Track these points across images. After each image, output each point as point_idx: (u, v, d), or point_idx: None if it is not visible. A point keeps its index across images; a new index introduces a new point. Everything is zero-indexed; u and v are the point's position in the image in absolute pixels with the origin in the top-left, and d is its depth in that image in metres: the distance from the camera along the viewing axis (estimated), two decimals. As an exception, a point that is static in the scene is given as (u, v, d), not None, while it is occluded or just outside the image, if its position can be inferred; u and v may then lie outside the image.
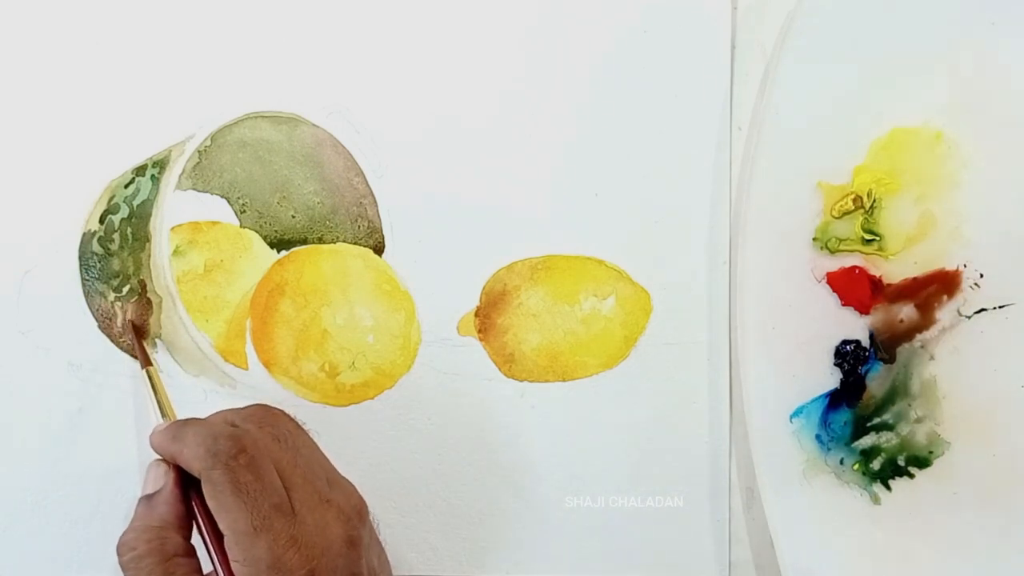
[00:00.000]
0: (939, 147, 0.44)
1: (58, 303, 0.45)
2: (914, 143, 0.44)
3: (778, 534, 0.43)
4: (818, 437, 0.44)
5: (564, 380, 0.46)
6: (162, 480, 0.39)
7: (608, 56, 0.46)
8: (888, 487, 0.44)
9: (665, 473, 0.46)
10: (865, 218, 0.44)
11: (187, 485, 0.39)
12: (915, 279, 0.44)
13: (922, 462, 0.44)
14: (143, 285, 0.46)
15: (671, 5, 0.46)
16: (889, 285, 0.44)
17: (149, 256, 0.46)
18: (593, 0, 0.46)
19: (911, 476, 0.44)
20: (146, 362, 0.44)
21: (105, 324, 0.45)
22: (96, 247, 0.46)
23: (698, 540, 0.46)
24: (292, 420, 0.40)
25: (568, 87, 0.46)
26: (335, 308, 0.46)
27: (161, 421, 0.42)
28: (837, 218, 0.44)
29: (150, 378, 0.43)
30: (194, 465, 0.38)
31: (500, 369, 0.46)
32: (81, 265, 0.46)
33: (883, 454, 0.44)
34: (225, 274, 0.46)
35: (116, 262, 0.46)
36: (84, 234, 0.46)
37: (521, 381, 0.46)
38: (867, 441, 0.44)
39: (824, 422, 0.44)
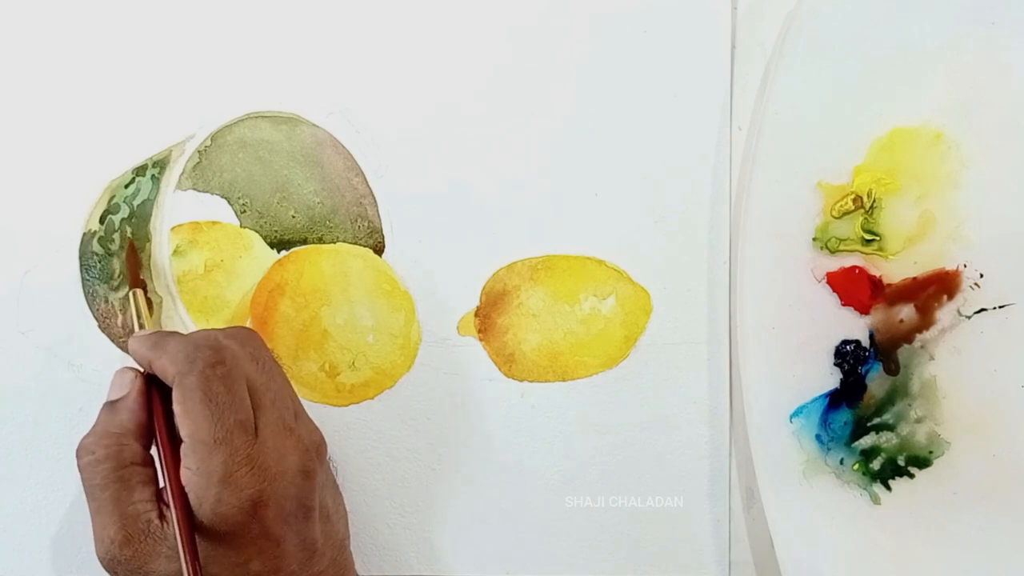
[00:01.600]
0: (939, 147, 0.44)
1: (58, 303, 0.45)
2: (914, 143, 0.44)
3: (778, 534, 0.43)
4: (818, 437, 0.44)
5: (564, 380, 0.46)
6: (127, 387, 0.39)
7: (608, 56, 0.46)
8: (888, 487, 0.44)
9: (665, 473, 0.46)
10: (865, 218, 0.44)
11: (151, 394, 0.39)
12: (915, 279, 0.44)
13: (922, 462, 0.44)
14: (143, 285, 0.46)
15: (671, 5, 0.46)
16: (889, 285, 0.44)
17: (149, 256, 0.46)
18: (593, 0, 0.46)
19: (911, 476, 0.44)
20: (135, 283, 0.44)
21: (105, 324, 0.45)
22: (96, 247, 0.46)
23: (698, 540, 0.46)
24: (270, 350, 0.41)
25: (568, 87, 0.46)
26: (335, 308, 0.46)
27: None
28: (837, 218, 0.44)
29: (135, 299, 0.44)
30: (169, 370, 0.38)
31: (500, 369, 0.46)
32: (81, 265, 0.46)
33: (883, 454, 0.44)
34: (225, 274, 0.46)
35: (116, 262, 0.46)
36: (84, 234, 0.46)
37: (521, 381, 0.46)
38: (867, 441, 0.44)
39: (824, 422, 0.44)
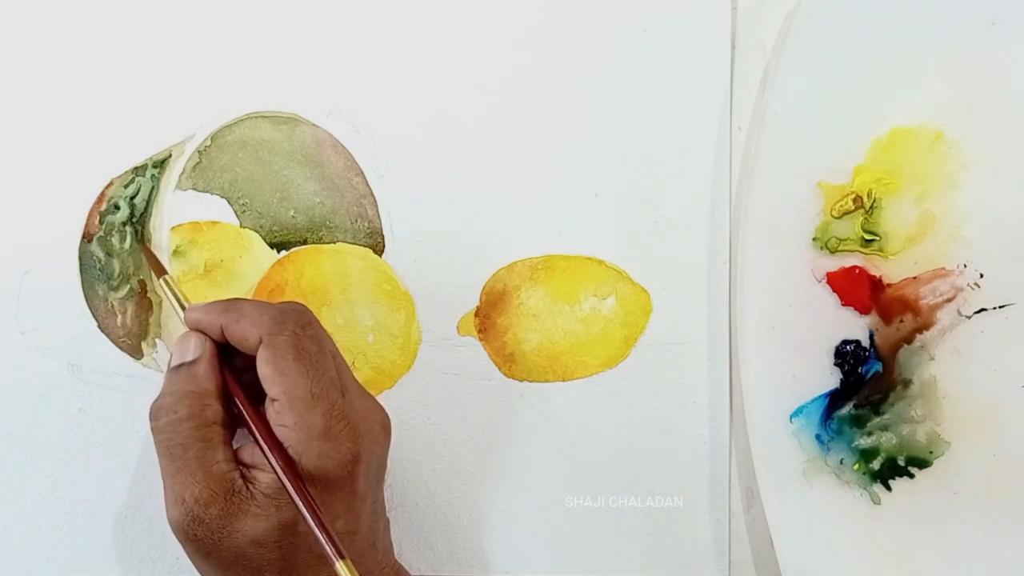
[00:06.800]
0: (939, 147, 0.44)
1: (58, 303, 0.45)
2: (914, 143, 0.44)
3: (778, 534, 0.43)
4: (818, 437, 0.44)
5: (564, 380, 0.46)
6: (200, 349, 0.39)
7: (608, 56, 0.46)
8: (888, 487, 0.44)
9: (665, 473, 0.46)
10: (865, 218, 0.44)
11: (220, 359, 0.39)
12: (915, 279, 0.44)
13: (922, 462, 0.44)
14: (143, 285, 0.46)
15: (671, 5, 0.46)
16: (889, 285, 0.44)
17: (149, 256, 0.46)
18: (593, 0, 0.46)
19: (911, 476, 0.44)
20: (160, 272, 0.44)
21: (105, 324, 0.45)
22: (96, 247, 0.46)
23: (698, 540, 0.46)
24: None
25: (568, 87, 0.46)
26: (335, 308, 0.46)
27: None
28: (837, 218, 0.44)
29: (168, 286, 0.43)
30: (253, 332, 0.37)
31: (500, 369, 0.46)
32: (81, 265, 0.46)
33: (883, 454, 0.44)
34: (225, 274, 0.46)
35: (116, 262, 0.46)
36: (84, 234, 0.46)
37: (521, 381, 0.46)
38: (867, 441, 0.44)
39: (824, 422, 0.44)
